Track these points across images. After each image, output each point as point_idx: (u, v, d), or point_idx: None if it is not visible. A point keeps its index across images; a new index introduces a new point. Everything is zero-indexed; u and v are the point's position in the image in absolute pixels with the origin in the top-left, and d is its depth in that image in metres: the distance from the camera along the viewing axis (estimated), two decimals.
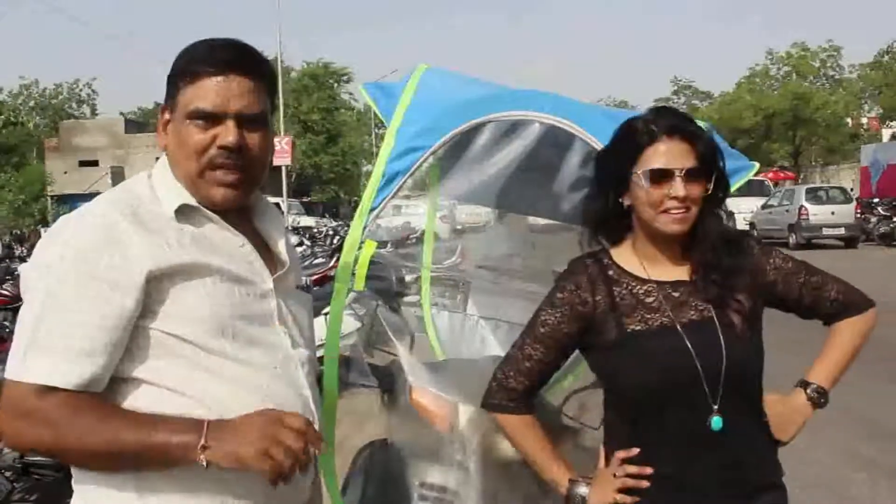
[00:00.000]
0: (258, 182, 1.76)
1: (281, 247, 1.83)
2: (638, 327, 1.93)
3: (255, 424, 1.53)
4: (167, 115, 1.71)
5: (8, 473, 4.30)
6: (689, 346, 1.88)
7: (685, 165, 1.87)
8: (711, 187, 1.91)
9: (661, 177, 1.88)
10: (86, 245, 1.55)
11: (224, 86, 1.64)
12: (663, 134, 1.90)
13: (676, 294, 1.94)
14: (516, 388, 2.05)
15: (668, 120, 1.92)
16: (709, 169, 1.91)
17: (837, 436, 5.80)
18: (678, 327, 1.91)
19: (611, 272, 1.99)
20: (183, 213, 1.66)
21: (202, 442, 1.49)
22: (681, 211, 1.88)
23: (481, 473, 2.47)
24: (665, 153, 1.89)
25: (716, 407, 1.87)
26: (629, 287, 1.96)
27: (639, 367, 1.92)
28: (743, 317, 1.93)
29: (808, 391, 2.04)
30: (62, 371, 1.50)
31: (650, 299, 1.94)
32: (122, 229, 1.57)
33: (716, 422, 1.87)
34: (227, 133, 1.65)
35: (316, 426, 1.76)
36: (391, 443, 2.75)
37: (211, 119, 1.64)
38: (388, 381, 2.76)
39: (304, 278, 2.08)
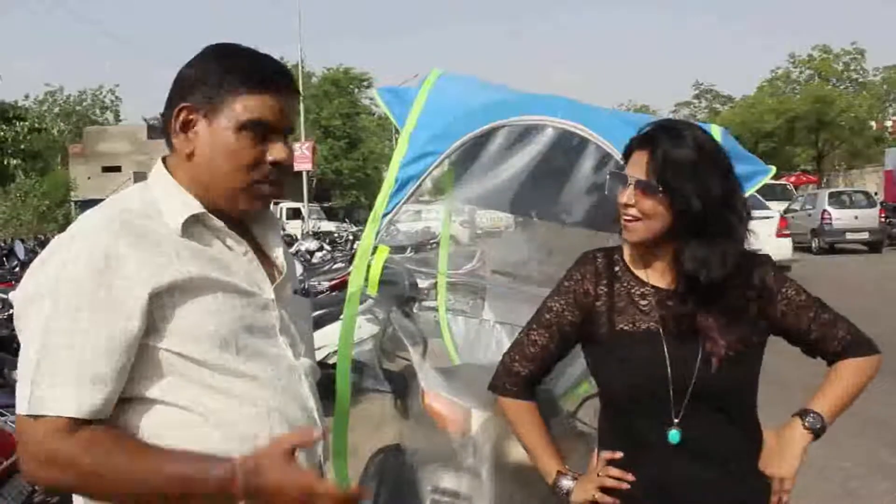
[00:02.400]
0: None
1: (278, 253, 1.79)
2: (626, 327, 1.94)
3: (289, 491, 1.47)
4: (191, 115, 1.64)
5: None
6: (667, 355, 1.88)
7: (637, 176, 1.89)
8: (676, 207, 1.86)
9: (620, 182, 1.93)
10: (82, 268, 1.49)
11: (287, 102, 1.65)
12: (638, 141, 1.93)
13: (670, 302, 1.93)
14: (520, 371, 2.09)
15: (647, 131, 1.94)
16: (672, 186, 1.86)
17: (861, 446, 5.71)
18: (662, 335, 1.91)
19: (617, 268, 2.01)
20: (185, 225, 1.61)
21: (239, 482, 1.45)
22: (628, 219, 1.90)
23: (494, 479, 2.47)
24: (631, 163, 1.92)
25: (676, 420, 1.88)
26: (628, 286, 1.98)
27: (615, 368, 1.94)
28: (735, 336, 1.89)
29: (806, 419, 1.95)
30: (71, 400, 1.46)
31: (644, 302, 1.95)
32: (117, 248, 1.51)
33: (672, 435, 1.88)
34: (282, 150, 1.64)
35: (318, 435, 1.75)
36: (404, 448, 2.75)
37: (263, 132, 1.63)
38: (401, 387, 2.76)
39: (300, 281, 2.06)
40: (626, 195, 1.89)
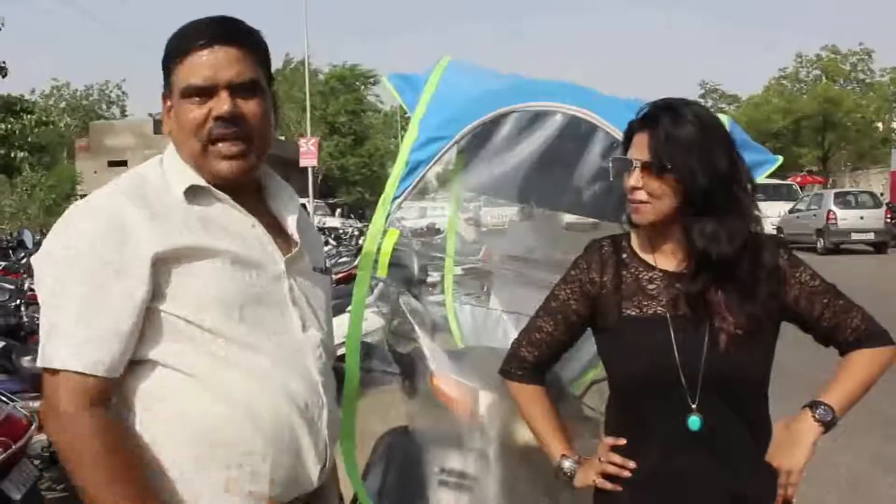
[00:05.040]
0: (262, 151, 1.75)
1: (292, 227, 1.82)
2: (633, 312, 1.93)
3: None
4: (167, 101, 1.72)
5: (36, 462, 4.39)
6: (673, 340, 1.87)
7: (642, 158, 1.88)
8: (685, 184, 1.85)
9: (624, 166, 1.92)
10: (93, 232, 1.56)
11: (211, 58, 1.64)
12: (638, 123, 1.93)
13: (679, 285, 1.91)
14: (526, 357, 2.10)
15: (647, 111, 1.93)
16: (678, 164, 1.85)
17: (865, 438, 5.73)
18: (669, 319, 1.90)
19: (624, 255, 2.00)
20: (193, 194, 1.67)
21: None
22: (637, 202, 1.89)
23: (501, 460, 2.48)
24: (634, 145, 1.92)
25: (694, 406, 1.86)
26: (636, 272, 1.97)
27: (623, 354, 1.94)
28: (745, 320, 1.87)
29: (817, 411, 1.89)
30: (82, 356, 1.52)
31: (651, 286, 1.94)
32: (128, 215, 1.58)
33: (693, 421, 1.86)
34: (221, 103, 1.64)
35: (326, 410, 1.77)
36: (412, 429, 2.76)
37: (204, 93, 1.65)
38: (410, 368, 2.77)
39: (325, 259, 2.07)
40: (634, 177, 1.88)
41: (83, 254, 1.55)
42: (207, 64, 1.64)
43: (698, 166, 1.84)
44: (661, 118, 1.88)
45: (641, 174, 1.87)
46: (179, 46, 1.67)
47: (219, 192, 1.69)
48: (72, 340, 1.53)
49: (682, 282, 1.91)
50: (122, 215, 1.58)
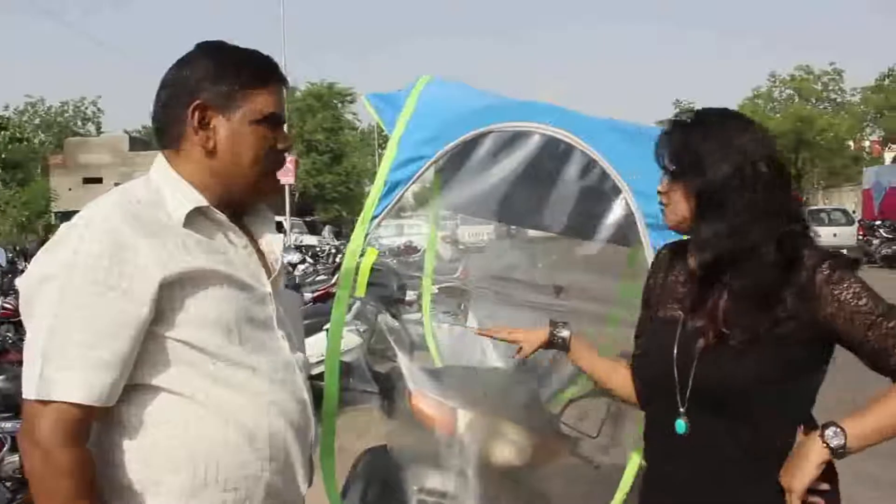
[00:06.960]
0: None
1: (273, 248, 1.83)
2: (661, 314, 1.98)
3: None
4: (206, 112, 1.66)
5: (8, 484, 4.32)
6: (676, 343, 1.88)
7: (670, 167, 1.92)
8: (696, 193, 1.84)
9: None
10: (94, 254, 1.50)
11: (283, 94, 1.76)
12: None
13: (693, 287, 1.93)
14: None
15: (675, 119, 1.96)
16: (683, 169, 1.87)
17: (849, 457, 5.73)
18: (680, 322, 1.91)
19: (678, 258, 2.01)
20: (189, 217, 1.64)
21: None
22: (664, 206, 1.94)
23: (480, 479, 2.48)
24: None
25: (682, 410, 1.87)
26: (678, 275, 1.99)
27: (640, 356, 2.01)
28: (745, 331, 1.79)
29: (826, 432, 1.74)
30: (79, 386, 1.47)
31: (682, 289, 1.96)
32: (127, 236, 1.54)
33: (679, 424, 1.87)
34: (288, 137, 1.77)
35: (311, 429, 1.78)
36: (391, 448, 2.76)
37: (276, 124, 1.73)
38: (388, 387, 2.78)
39: (288, 273, 2.10)
40: (661, 183, 1.93)
41: (83, 276, 1.50)
42: (283, 99, 1.76)
43: (703, 171, 1.82)
44: (679, 125, 1.92)
45: (667, 180, 1.92)
46: (262, 73, 1.72)
47: (218, 213, 1.69)
48: (73, 369, 1.48)
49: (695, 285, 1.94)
50: (121, 236, 1.54)
